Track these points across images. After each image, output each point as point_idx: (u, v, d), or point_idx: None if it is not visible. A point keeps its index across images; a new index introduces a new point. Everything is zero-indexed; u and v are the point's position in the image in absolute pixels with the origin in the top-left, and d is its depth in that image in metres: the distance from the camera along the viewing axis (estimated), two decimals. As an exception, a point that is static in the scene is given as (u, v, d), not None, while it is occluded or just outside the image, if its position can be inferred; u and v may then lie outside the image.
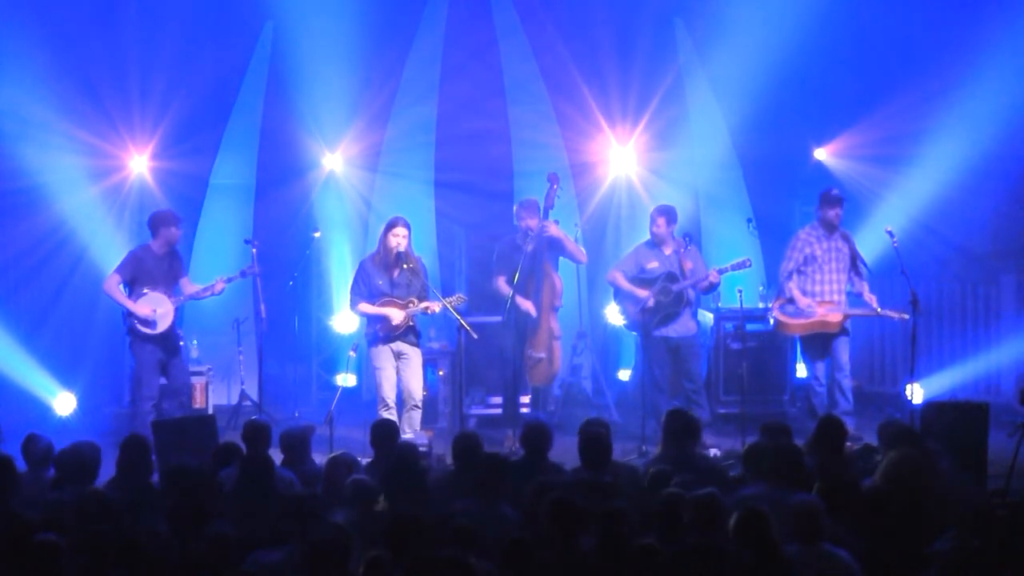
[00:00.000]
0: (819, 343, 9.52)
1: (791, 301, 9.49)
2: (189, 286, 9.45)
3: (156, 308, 9.22)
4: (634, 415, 9.59)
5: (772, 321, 9.84)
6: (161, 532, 5.56)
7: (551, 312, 9.59)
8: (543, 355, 9.60)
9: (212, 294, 9.50)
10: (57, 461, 6.69)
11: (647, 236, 9.73)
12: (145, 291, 9.23)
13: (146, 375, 9.33)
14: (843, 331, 9.48)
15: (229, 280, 9.52)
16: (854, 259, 9.51)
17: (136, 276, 9.27)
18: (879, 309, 9.35)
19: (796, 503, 5.37)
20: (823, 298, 9.46)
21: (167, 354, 9.35)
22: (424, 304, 9.03)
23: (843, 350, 9.50)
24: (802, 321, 9.47)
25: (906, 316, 9.15)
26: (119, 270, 9.29)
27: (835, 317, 9.40)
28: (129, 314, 9.22)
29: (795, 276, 9.50)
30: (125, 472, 6.65)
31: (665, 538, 5.28)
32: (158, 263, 9.33)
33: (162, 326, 9.24)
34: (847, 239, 9.55)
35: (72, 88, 10.53)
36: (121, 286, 9.28)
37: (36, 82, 10.39)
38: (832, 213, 9.47)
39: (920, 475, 5.93)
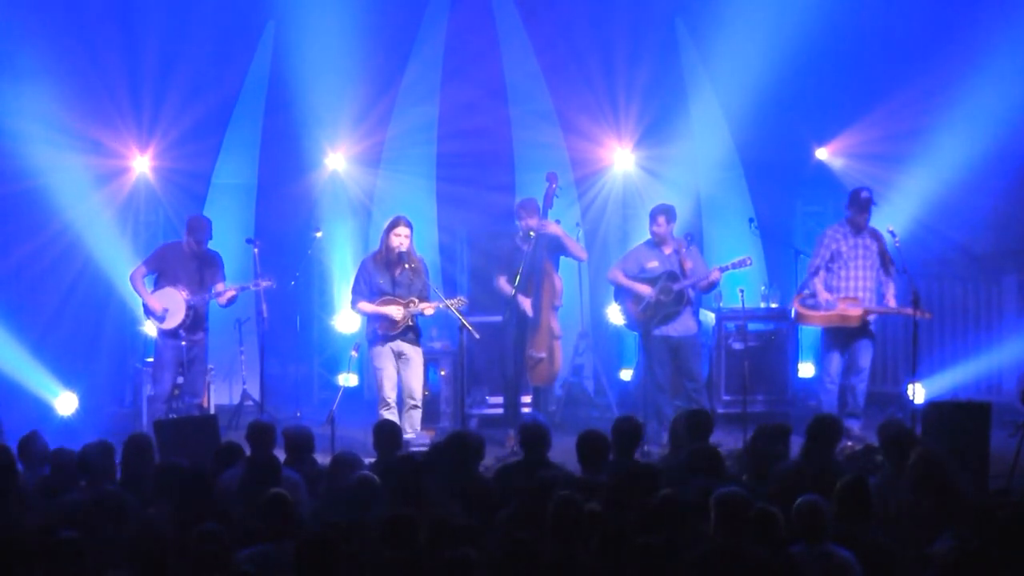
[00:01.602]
0: (839, 338, 9.49)
1: (814, 295, 9.50)
2: (219, 288, 9.44)
3: (167, 305, 9.28)
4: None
5: (793, 313, 9.87)
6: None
7: (551, 312, 9.57)
8: (543, 355, 9.58)
9: (228, 302, 9.47)
10: (79, 462, 6.60)
11: (647, 236, 9.72)
12: (166, 287, 9.33)
13: (159, 372, 9.45)
14: (867, 332, 9.46)
15: (242, 289, 9.54)
16: (883, 257, 9.51)
17: (160, 270, 9.43)
18: (897, 308, 9.35)
19: (800, 503, 5.36)
20: (847, 294, 9.43)
21: (186, 354, 9.36)
22: (423, 305, 9.03)
23: (865, 353, 9.48)
24: (822, 313, 9.45)
25: (929, 315, 9.21)
26: (145, 262, 9.55)
27: (855, 312, 9.34)
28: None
29: (822, 272, 9.50)
30: (129, 471, 6.64)
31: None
32: (183, 262, 9.38)
33: (168, 324, 9.31)
34: (876, 237, 9.51)
35: (76, 89, 10.54)
36: (148, 278, 9.41)
37: (40, 82, 10.40)
38: (860, 217, 9.43)
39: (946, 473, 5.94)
